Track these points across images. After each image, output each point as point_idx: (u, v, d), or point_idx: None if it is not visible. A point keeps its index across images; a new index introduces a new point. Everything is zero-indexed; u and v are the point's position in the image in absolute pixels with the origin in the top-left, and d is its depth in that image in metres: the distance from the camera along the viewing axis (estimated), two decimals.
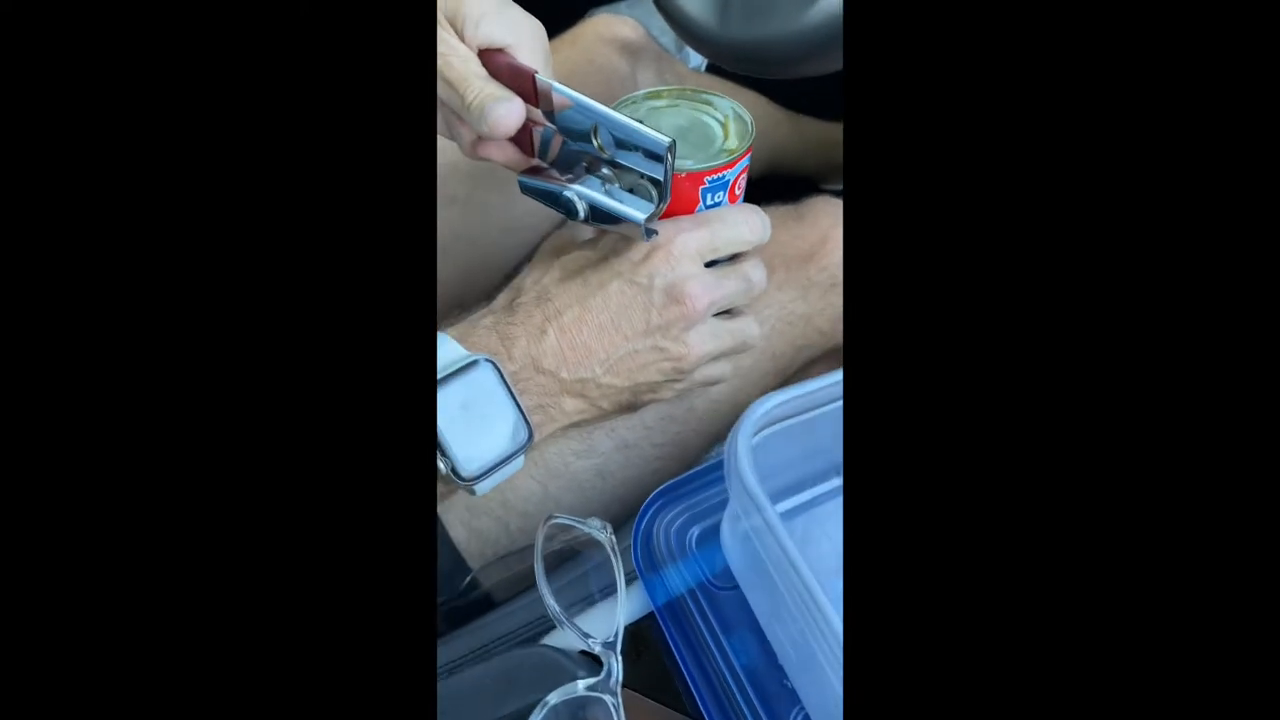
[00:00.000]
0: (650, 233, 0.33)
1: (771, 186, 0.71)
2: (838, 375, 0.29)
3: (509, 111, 0.32)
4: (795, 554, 0.23)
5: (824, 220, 0.48)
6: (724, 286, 0.35)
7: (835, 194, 0.86)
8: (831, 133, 0.83)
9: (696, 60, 0.81)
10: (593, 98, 0.63)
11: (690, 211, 0.36)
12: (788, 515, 0.34)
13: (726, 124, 0.37)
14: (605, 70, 0.59)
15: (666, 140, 0.31)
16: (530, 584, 0.33)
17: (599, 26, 0.61)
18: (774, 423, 0.27)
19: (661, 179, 0.32)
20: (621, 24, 0.62)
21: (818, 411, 0.30)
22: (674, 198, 0.35)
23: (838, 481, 0.36)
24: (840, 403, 0.30)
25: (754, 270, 0.37)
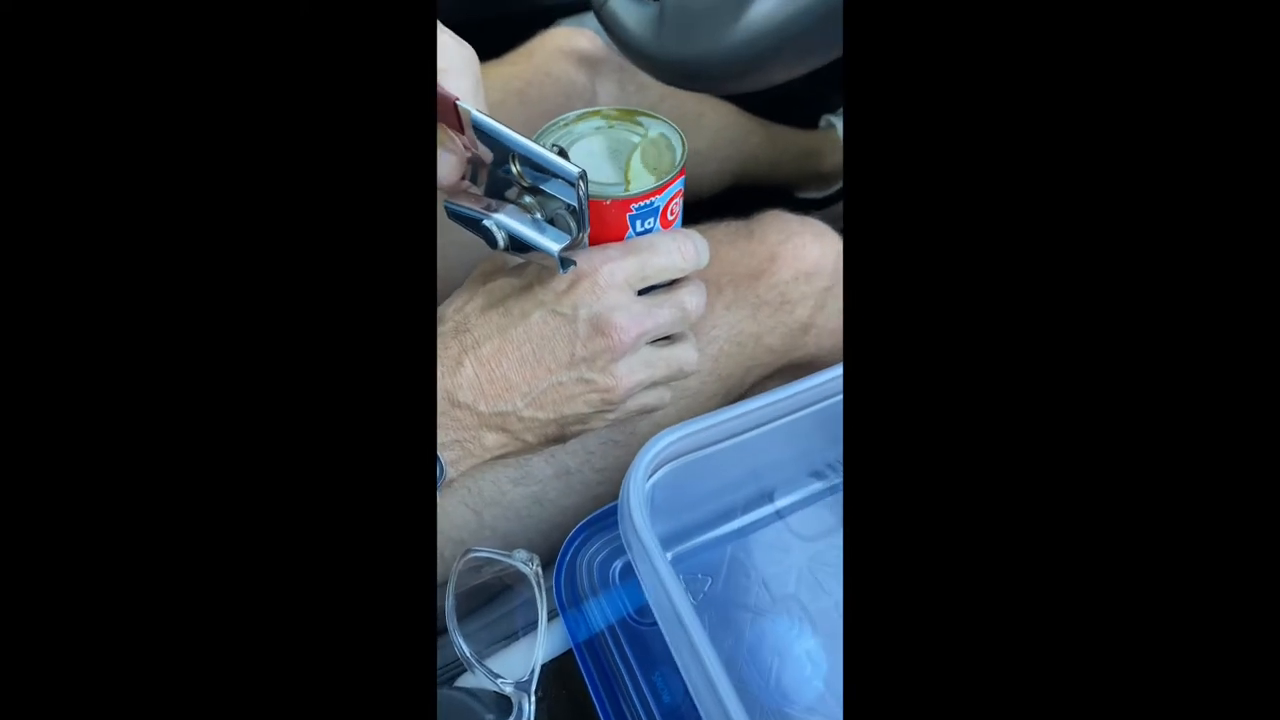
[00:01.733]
0: (567, 263, 0.32)
1: (731, 199, 0.70)
2: (746, 405, 0.28)
3: (443, 165, 0.32)
4: (682, 603, 0.22)
5: (773, 237, 0.47)
6: (655, 316, 0.35)
7: (811, 203, 0.86)
8: (804, 140, 0.82)
9: None
10: (548, 111, 0.62)
11: (620, 239, 0.35)
12: (717, 543, 0.34)
13: (657, 148, 0.37)
14: (563, 82, 0.58)
15: (576, 170, 0.30)
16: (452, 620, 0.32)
17: (557, 39, 0.60)
18: (674, 459, 0.26)
19: (578, 208, 0.32)
20: (580, 36, 0.61)
21: (747, 436, 0.29)
22: (602, 225, 0.34)
23: (772, 507, 0.35)
24: (769, 426, 0.29)
25: (690, 297, 0.36)
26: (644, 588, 0.24)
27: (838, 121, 0.85)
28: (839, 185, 0.86)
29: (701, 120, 0.73)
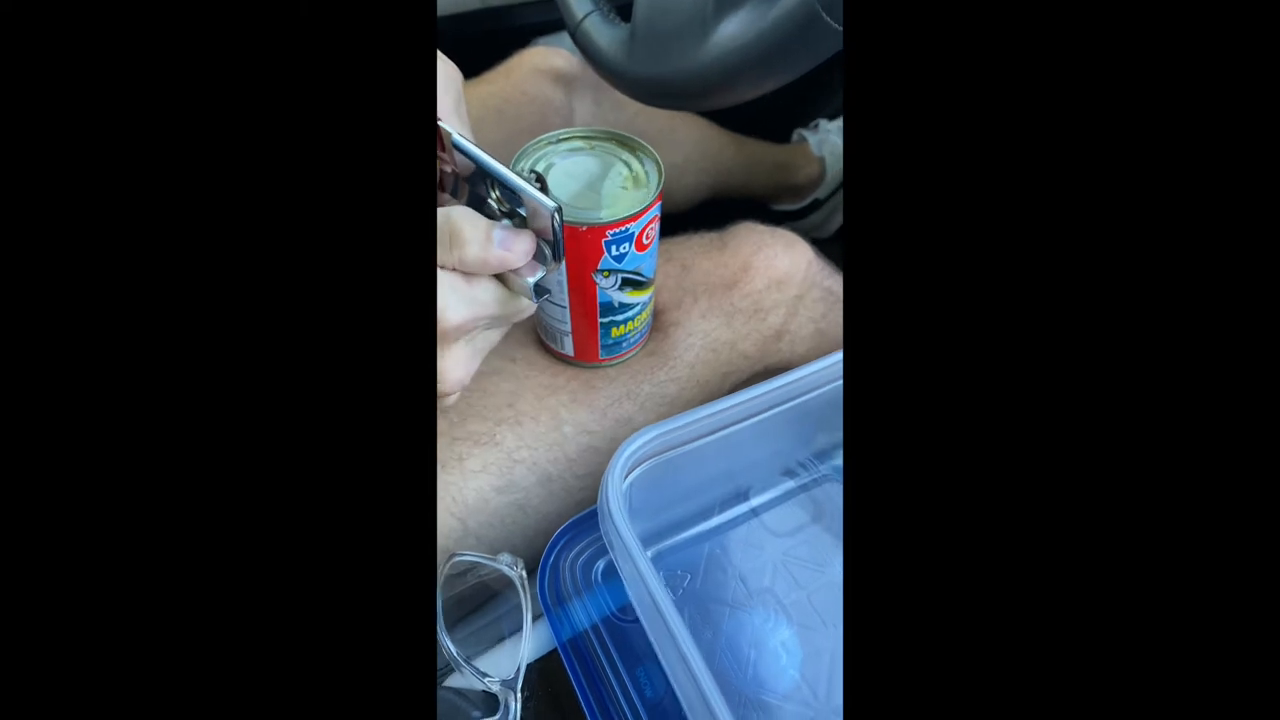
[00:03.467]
0: (540, 291, 0.33)
1: (707, 212, 0.71)
2: (719, 404, 0.29)
3: None
4: (662, 596, 0.23)
5: (745, 248, 0.49)
6: (474, 307, 0.30)
7: (785, 214, 0.88)
8: (778, 154, 0.84)
9: None
10: (526, 128, 0.63)
11: (595, 263, 0.36)
12: (695, 541, 0.35)
13: (636, 172, 0.37)
14: (539, 101, 0.59)
15: (553, 204, 0.30)
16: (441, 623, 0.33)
17: (534, 58, 0.62)
18: (650, 457, 0.27)
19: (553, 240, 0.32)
20: (556, 55, 0.62)
21: (721, 434, 0.30)
22: (577, 250, 0.35)
23: (747, 505, 0.36)
24: (742, 425, 0.30)
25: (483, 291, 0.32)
26: (625, 582, 0.25)
27: (810, 135, 0.87)
28: (813, 197, 0.88)
29: (676, 135, 0.75)
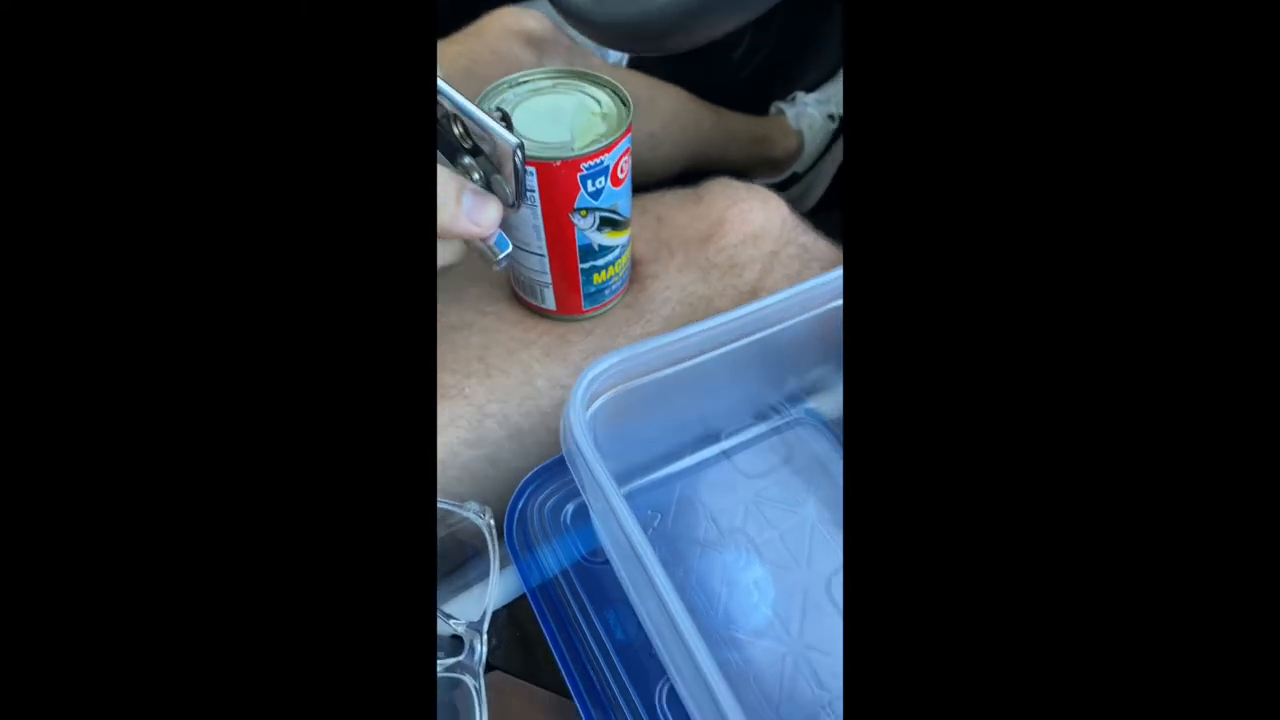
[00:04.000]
0: (503, 240, 0.33)
1: (683, 183, 0.71)
2: (685, 330, 0.28)
3: None
4: (630, 524, 0.22)
5: (720, 202, 0.48)
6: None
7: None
8: (755, 126, 0.84)
9: (616, 56, 0.81)
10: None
11: (572, 201, 0.35)
12: (666, 481, 0.34)
13: (605, 106, 0.37)
14: (508, 60, 0.59)
15: (515, 140, 0.30)
16: None
17: (504, 19, 0.61)
18: (615, 385, 0.27)
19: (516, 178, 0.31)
20: (527, 16, 0.61)
21: (692, 363, 0.29)
22: (553, 187, 0.34)
23: (719, 447, 0.35)
24: (711, 354, 0.29)
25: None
26: (593, 514, 0.24)
27: (788, 108, 0.87)
28: (791, 171, 0.87)
29: (654, 104, 0.74)
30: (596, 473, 0.23)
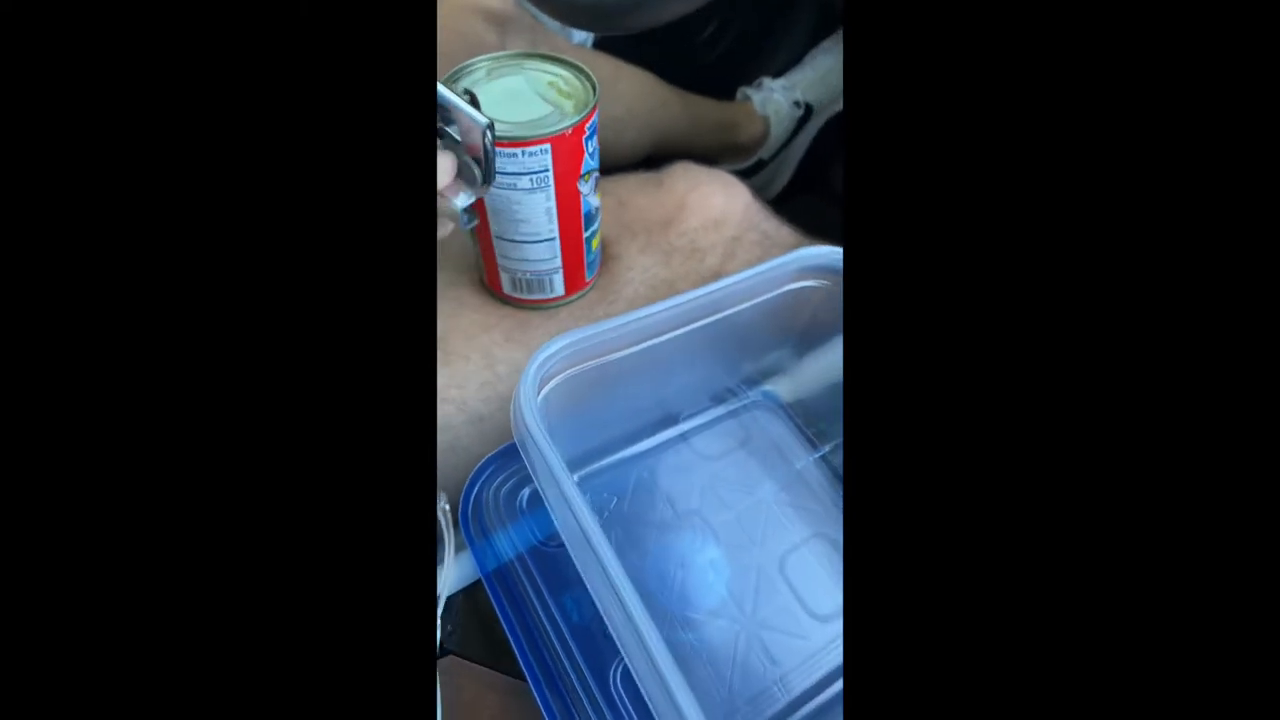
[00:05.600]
0: (471, 217, 0.32)
1: (640, 164, 0.70)
2: (643, 311, 0.28)
3: None
4: (581, 508, 0.22)
5: (681, 186, 0.48)
6: None
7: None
8: (721, 112, 0.83)
9: (581, 36, 0.80)
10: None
11: (579, 167, 0.35)
12: (623, 464, 0.34)
13: (570, 81, 0.37)
14: (470, 39, 0.57)
15: (484, 120, 0.29)
16: None
17: None
18: (568, 368, 0.26)
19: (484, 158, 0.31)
20: None
21: (648, 344, 0.29)
22: (565, 163, 0.35)
23: (676, 430, 0.35)
24: (666, 336, 0.29)
25: None
26: (545, 500, 0.24)
27: (754, 94, 0.87)
28: (757, 157, 0.87)
29: (618, 87, 0.73)
30: (549, 458, 0.23)
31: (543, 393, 0.25)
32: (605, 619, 0.25)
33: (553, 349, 0.25)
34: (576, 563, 0.25)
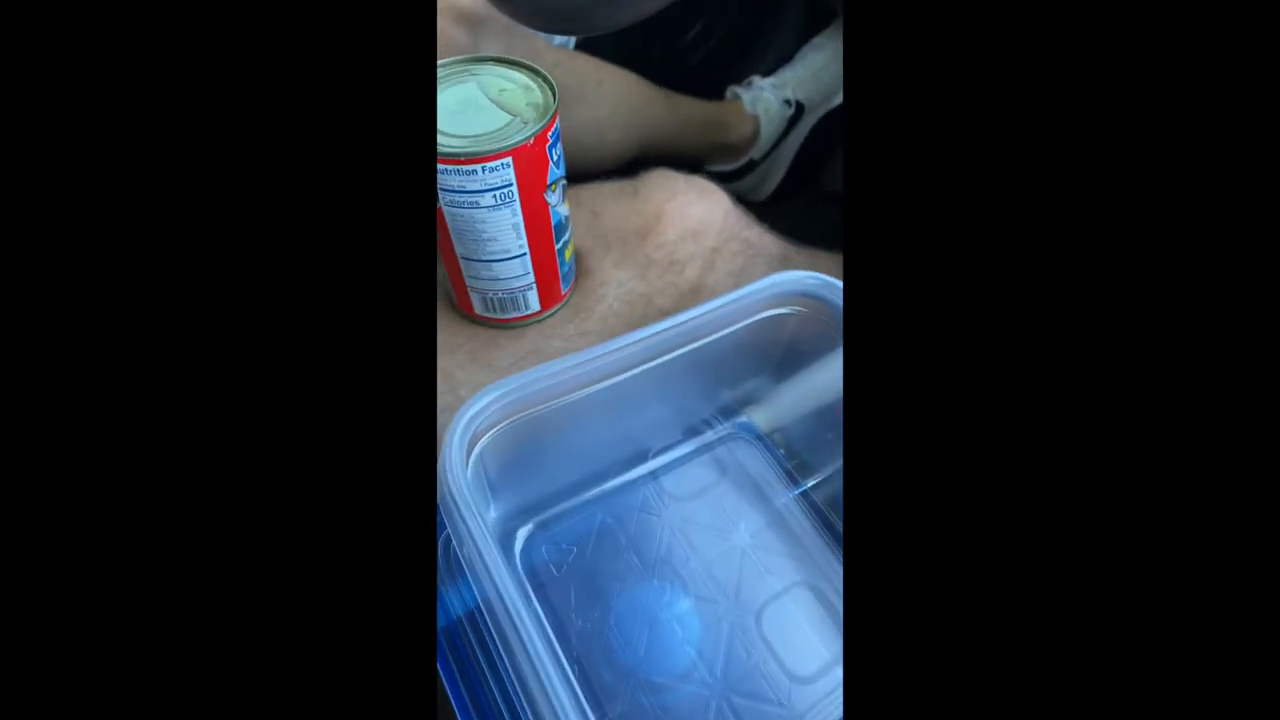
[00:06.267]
0: None
1: (635, 172, 0.68)
2: (599, 349, 0.25)
3: None
4: (513, 597, 0.19)
5: (658, 195, 0.45)
6: None
7: (721, 175, 0.84)
8: (708, 111, 0.80)
9: (561, 39, 0.77)
10: None
11: (544, 177, 0.33)
12: (585, 508, 0.31)
13: (526, 83, 0.35)
14: (442, 41, 0.54)
15: None
16: None
17: None
18: (509, 418, 0.23)
19: None
20: None
21: (610, 383, 0.26)
22: (531, 174, 0.32)
23: (646, 468, 0.33)
24: (631, 373, 0.27)
25: None
26: (469, 575, 0.21)
27: (744, 93, 0.84)
28: (747, 158, 0.85)
29: (601, 88, 0.70)
30: (470, 524, 0.20)
31: (487, 436, 0.23)
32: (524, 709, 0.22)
33: (482, 402, 0.22)
34: (502, 649, 0.21)
